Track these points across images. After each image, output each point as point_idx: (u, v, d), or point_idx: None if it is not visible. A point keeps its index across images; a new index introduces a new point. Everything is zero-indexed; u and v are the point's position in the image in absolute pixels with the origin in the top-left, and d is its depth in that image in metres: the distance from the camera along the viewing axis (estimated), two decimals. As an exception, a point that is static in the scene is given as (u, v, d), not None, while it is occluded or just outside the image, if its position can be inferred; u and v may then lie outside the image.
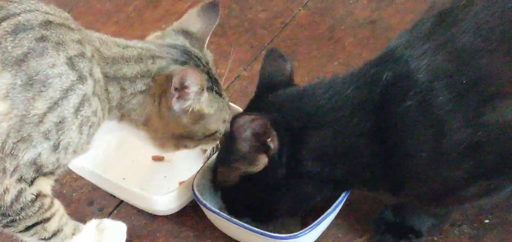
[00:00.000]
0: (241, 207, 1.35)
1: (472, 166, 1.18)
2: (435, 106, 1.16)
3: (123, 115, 1.31)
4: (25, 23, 1.16)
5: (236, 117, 1.23)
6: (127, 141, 1.56)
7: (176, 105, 1.30)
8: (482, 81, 1.15)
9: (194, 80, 1.27)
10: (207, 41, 1.42)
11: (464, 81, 1.15)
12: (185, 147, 1.38)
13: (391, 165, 1.21)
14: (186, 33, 1.39)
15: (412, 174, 1.22)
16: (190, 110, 1.31)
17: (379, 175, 1.24)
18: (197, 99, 1.31)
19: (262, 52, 1.88)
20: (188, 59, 1.34)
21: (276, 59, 1.37)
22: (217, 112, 1.36)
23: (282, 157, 1.24)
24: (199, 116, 1.34)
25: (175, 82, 1.27)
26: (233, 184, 1.32)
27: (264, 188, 1.29)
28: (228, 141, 1.30)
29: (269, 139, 1.23)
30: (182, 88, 1.28)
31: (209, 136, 1.38)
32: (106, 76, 1.26)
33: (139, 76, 1.29)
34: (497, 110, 1.14)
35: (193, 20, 1.41)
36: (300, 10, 2.03)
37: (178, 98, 1.29)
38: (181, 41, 1.37)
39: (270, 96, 1.31)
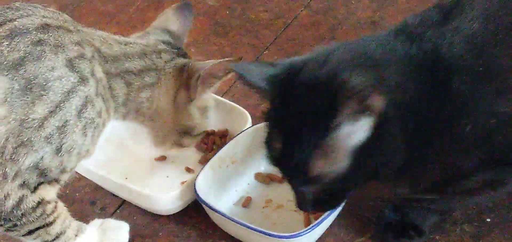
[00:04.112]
0: None
1: (482, 155, 1.16)
2: (454, 89, 1.13)
3: (129, 112, 1.32)
4: (21, 27, 1.16)
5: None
6: (129, 140, 1.56)
7: (200, 94, 1.35)
8: (495, 71, 1.13)
9: (223, 70, 1.32)
10: (185, 41, 1.45)
11: (480, 69, 1.13)
12: (181, 145, 1.42)
13: (418, 147, 1.15)
14: (168, 32, 1.41)
15: (431, 159, 1.17)
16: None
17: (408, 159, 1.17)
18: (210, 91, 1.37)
19: (265, 52, 1.89)
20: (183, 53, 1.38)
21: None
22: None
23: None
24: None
25: (206, 73, 1.31)
26: None
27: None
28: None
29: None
30: (209, 79, 1.33)
31: (201, 134, 1.44)
32: (108, 73, 1.26)
33: (145, 70, 1.30)
34: (509, 102, 1.13)
35: (170, 20, 1.43)
36: (302, 10, 2.03)
37: (201, 89, 1.34)
38: (166, 38, 1.39)
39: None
